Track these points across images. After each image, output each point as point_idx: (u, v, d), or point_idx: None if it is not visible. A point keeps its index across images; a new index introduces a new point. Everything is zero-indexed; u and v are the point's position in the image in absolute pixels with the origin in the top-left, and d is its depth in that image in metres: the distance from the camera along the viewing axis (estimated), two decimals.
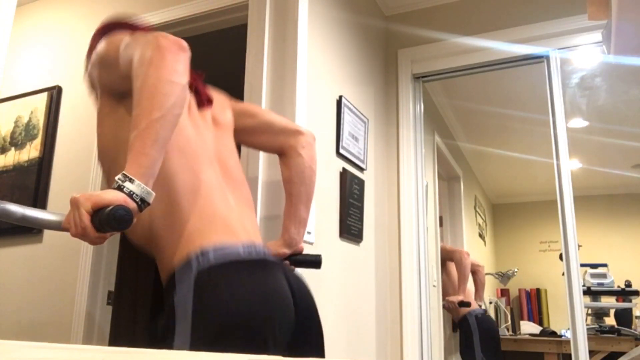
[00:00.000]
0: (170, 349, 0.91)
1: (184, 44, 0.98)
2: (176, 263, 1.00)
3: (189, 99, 1.19)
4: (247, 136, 1.42)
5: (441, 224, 3.73)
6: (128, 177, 0.88)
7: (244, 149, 1.71)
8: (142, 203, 0.89)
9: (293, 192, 1.39)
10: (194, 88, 1.24)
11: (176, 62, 0.94)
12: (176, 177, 1.05)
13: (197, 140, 1.13)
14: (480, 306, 3.76)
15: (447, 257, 3.52)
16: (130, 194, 0.87)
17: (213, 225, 1.04)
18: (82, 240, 0.91)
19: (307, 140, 1.42)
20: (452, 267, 3.55)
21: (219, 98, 1.37)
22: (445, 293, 3.44)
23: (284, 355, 0.98)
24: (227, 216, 1.08)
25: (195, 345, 0.90)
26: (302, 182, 1.39)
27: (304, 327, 1.07)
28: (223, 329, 0.92)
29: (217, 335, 0.91)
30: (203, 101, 1.25)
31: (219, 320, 0.93)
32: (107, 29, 1.20)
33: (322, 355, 1.12)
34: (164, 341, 0.94)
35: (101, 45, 1.12)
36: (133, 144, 0.90)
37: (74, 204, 0.88)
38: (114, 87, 1.12)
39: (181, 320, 0.93)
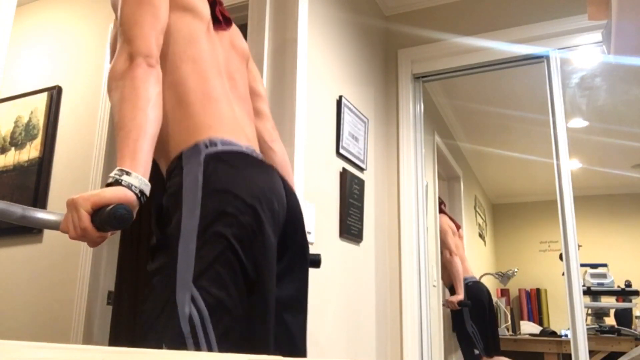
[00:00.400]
0: (178, 223, 0.93)
1: (153, 60, 1.01)
2: (183, 148, 1.03)
3: (208, 18, 1.22)
4: None
5: None
6: (125, 170, 0.89)
7: None
8: (142, 195, 0.90)
9: None
10: (213, 6, 1.26)
11: (148, 75, 0.99)
12: (186, 81, 1.09)
13: (209, 53, 1.17)
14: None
15: (442, 231, 3.54)
16: (130, 186, 0.88)
17: (220, 123, 1.08)
18: (82, 242, 0.91)
19: (277, 134, 1.41)
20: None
21: (237, 30, 1.39)
22: (444, 269, 3.46)
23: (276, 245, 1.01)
24: (232, 120, 1.12)
25: (203, 220, 0.93)
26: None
27: (290, 232, 1.10)
28: (230, 206, 0.95)
29: (222, 212, 0.94)
30: (220, 19, 1.27)
31: (228, 198, 0.95)
32: None
33: (304, 268, 1.14)
34: (170, 215, 0.96)
35: None
36: (123, 140, 0.92)
37: (72, 205, 0.88)
38: None
39: (189, 194, 0.96)
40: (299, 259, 1.12)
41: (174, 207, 0.96)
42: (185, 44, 1.12)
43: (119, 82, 0.97)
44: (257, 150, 1.14)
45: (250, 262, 0.94)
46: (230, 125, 1.10)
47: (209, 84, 1.11)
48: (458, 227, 3.73)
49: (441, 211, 3.66)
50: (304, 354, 1.12)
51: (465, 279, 3.52)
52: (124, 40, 1.02)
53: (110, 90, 0.99)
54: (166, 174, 1.06)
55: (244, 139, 1.11)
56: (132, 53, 1.00)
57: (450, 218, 3.70)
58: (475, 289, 3.54)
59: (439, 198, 3.60)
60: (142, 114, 0.93)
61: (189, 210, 0.94)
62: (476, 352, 3.32)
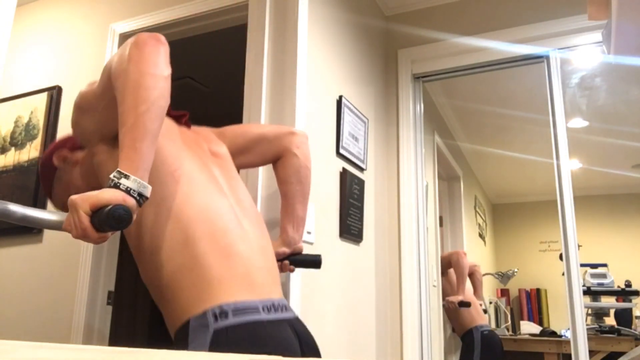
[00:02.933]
0: None
1: (162, 37, 0.98)
2: (191, 314, 0.96)
3: (178, 132, 1.16)
4: (245, 156, 1.40)
5: (441, 224, 3.73)
6: (123, 173, 0.88)
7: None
8: (140, 198, 0.89)
9: (289, 191, 1.38)
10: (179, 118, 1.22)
11: (156, 55, 0.94)
12: (193, 223, 1.01)
13: (206, 178, 1.11)
14: (484, 311, 3.72)
15: (446, 262, 3.50)
16: (128, 190, 0.87)
17: (232, 272, 0.99)
18: (85, 241, 0.91)
19: (301, 140, 1.40)
20: (452, 273, 3.53)
21: (207, 133, 1.34)
22: (445, 297, 3.44)
23: None
24: (248, 260, 1.03)
25: None
26: (298, 181, 1.38)
27: None
28: None
29: None
30: (182, 124, 1.23)
31: None
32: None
33: None
34: None
35: (75, 102, 1.11)
36: (123, 140, 0.90)
37: (72, 205, 0.88)
38: (104, 128, 1.09)
39: None
40: None
41: None
42: (173, 161, 1.05)
43: (122, 66, 0.93)
44: (275, 297, 1.05)
45: None
46: (243, 270, 1.01)
47: (217, 217, 1.03)
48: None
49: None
50: None
51: (481, 327, 3.45)
52: (122, 46, 0.99)
53: (115, 78, 0.94)
54: (174, 341, 0.99)
55: (262, 286, 1.03)
56: (133, 37, 0.96)
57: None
58: (490, 337, 3.46)
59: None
60: (143, 107, 0.90)
61: None
62: None
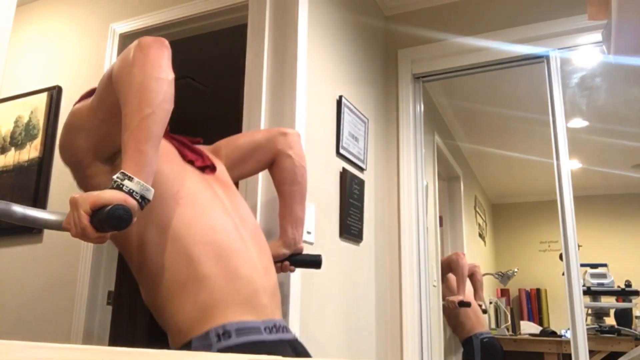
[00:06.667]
0: None
1: (166, 41, 0.97)
2: (193, 334, 0.96)
3: (176, 152, 1.15)
4: (242, 167, 1.40)
5: (441, 224, 3.72)
6: (127, 175, 0.88)
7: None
8: (143, 200, 0.89)
9: (286, 192, 1.38)
10: (190, 159, 1.19)
11: (160, 59, 0.94)
12: (199, 245, 1.01)
13: (210, 198, 1.10)
14: (484, 311, 3.71)
15: (445, 266, 3.49)
16: (130, 192, 0.87)
17: (235, 292, 1.00)
18: (84, 241, 0.91)
19: (293, 139, 1.40)
20: (451, 278, 3.53)
21: (205, 152, 1.33)
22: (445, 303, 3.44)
23: None
24: (253, 282, 1.04)
25: None
26: (295, 182, 1.38)
27: None
28: None
29: None
30: (207, 167, 1.22)
31: None
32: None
33: None
34: None
35: (66, 121, 1.08)
36: (127, 142, 0.90)
37: (73, 204, 0.88)
38: (99, 144, 1.06)
39: None
40: None
41: None
42: (174, 183, 1.04)
43: (125, 69, 0.93)
44: (277, 318, 1.07)
45: None
46: (248, 292, 1.02)
47: (218, 232, 1.03)
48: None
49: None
50: None
51: (481, 334, 3.46)
52: (124, 52, 0.97)
53: (118, 81, 0.94)
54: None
55: (264, 307, 1.04)
56: (137, 41, 0.96)
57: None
58: (489, 345, 3.46)
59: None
60: (148, 110, 0.90)
61: None
62: None
